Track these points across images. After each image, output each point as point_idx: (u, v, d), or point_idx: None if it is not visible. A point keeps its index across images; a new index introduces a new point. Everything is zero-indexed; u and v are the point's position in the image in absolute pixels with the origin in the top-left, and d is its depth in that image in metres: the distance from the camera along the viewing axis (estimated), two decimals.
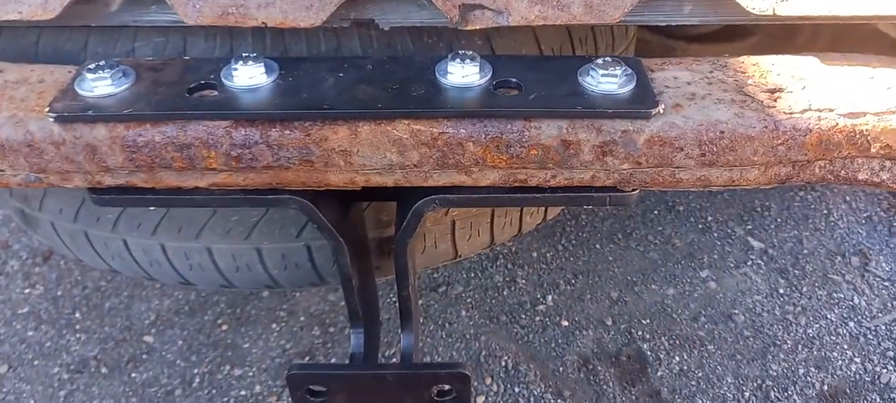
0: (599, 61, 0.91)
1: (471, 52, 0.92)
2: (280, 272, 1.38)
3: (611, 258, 2.47)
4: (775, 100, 0.89)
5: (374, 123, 0.88)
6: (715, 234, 2.56)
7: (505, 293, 2.34)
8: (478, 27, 0.95)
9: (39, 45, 1.09)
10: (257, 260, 1.35)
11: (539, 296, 2.33)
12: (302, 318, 2.27)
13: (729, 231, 2.57)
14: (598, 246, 2.52)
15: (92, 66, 0.90)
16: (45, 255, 2.52)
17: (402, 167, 0.91)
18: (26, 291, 2.40)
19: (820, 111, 0.87)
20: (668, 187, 0.94)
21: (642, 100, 0.88)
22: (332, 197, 1.03)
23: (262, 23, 0.94)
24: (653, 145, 0.88)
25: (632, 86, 0.89)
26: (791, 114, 0.87)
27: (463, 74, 0.91)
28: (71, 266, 2.47)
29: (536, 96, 0.89)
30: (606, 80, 0.89)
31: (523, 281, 2.38)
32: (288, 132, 0.88)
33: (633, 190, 0.96)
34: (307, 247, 1.34)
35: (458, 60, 0.91)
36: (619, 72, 0.89)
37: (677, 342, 2.16)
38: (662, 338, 2.17)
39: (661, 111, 0.88)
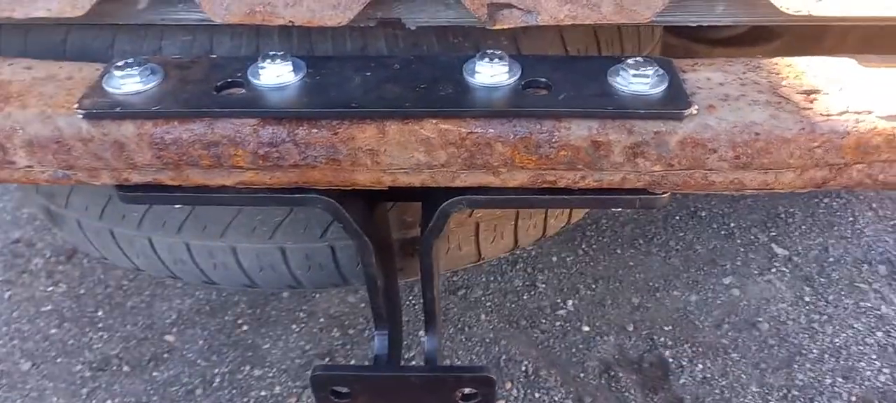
0: (630, 61, 0.89)
1: (499, 52, 0.91)
2: (303, 272, 1.38)
3: (632, 263, 2.44)
4: (811, 102, 0.87)
5: (401, 123, 0.87)
6: (738, 240, 2.52)
7: (525, 297, 2.32)
8: (506, 27, 0.94)
9: (67, 43, 1.10)
10: (281, 260, 1.35)
11: (559, 301, 2.31)
12: (321, 320, 2.27)
13: (752, 237, 2.53)
14: (618, 251, 2.49)
15: (120, 63, 0.90)
16: (68, 253, 2.55)
17: (430, 167, 0.90)
18: (50, 289, 2.42)
19: (858, 113, 0.85)
20: (700, 190, 0.92)
21: (675, 101, 0.86)
22: (357, 196, 1.02)
23: (289, 21, 0.94)
24: (685, 147, 0.86)
25: (664, 86, 0.88)
26: (828, 116, 0.85)
27: (491, 74, 0.90)
28: (94, 264, 2.49)
29: (566, 96, 0.88)
30: (637, 81, 0.88)
31: (543, 286, 2.36)
32: (315, 131, 0.87)
33: (664, 192, 0.94)
34: (331, 248, 1.33)
35: (487, 60, 0.90)
36: (650, 72, 0.88)
37: (700, 349, 2.13)
38: (685, 345, 2.14)
39: (695, 112, 0.86)
